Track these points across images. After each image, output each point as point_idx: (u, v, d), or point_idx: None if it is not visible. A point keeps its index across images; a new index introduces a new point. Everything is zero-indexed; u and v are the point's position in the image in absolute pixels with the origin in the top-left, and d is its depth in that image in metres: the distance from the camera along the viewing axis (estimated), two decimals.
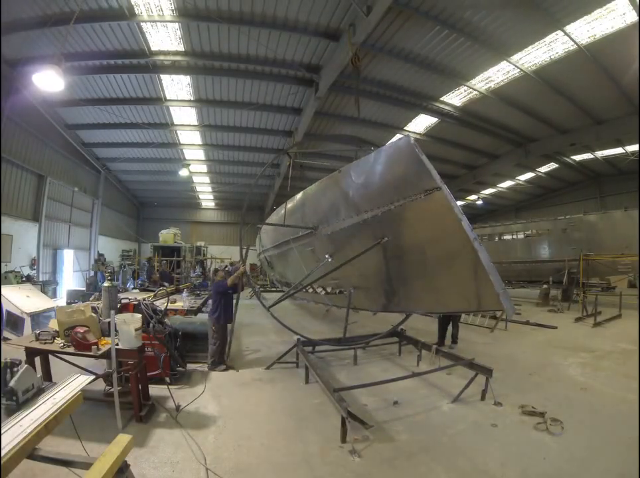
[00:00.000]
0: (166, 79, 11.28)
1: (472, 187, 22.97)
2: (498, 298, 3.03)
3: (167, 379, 4.87)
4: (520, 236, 16.60)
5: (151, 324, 4.86)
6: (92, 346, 3.82)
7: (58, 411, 2.35)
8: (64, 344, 3.93)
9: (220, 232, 28.20)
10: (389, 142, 3.78)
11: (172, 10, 8.39)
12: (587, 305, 10.81)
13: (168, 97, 12.37)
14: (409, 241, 4.09)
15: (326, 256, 5.20)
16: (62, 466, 2.29)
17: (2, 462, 1.79)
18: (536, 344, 7.61)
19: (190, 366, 5.76)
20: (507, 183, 23.12)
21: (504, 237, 17.51)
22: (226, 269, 7.57)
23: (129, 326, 3.95)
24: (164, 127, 14.43)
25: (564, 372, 5.81)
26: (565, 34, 8.85)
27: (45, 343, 4.00)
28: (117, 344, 3.86)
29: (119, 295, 5.40)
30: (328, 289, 9.30)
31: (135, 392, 3.94)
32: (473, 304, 3.59)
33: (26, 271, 12.42)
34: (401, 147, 3.56)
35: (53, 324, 4.50)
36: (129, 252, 23.18)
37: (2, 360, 2.47)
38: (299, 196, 6.32)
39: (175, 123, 14.20)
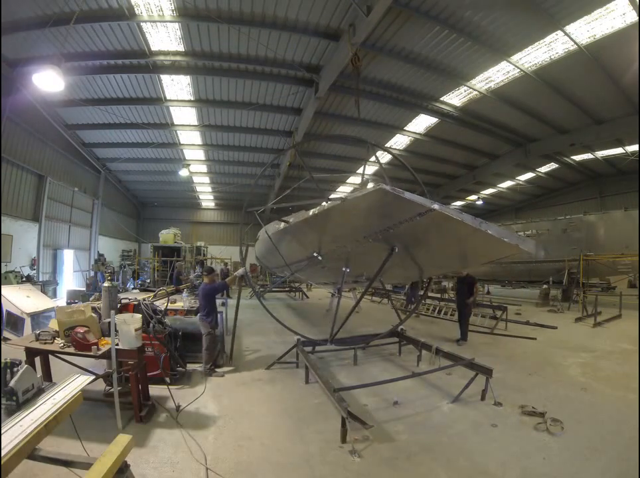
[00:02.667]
0: (166, 79, 11.27)
1: (472, 187, 22.97)
2: (519, 246, 3.51)
3: (167, 379, 4.87)
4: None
5: (151, 325, 4.87)
6: (92, 347, 3.82)
7: (58, 411, 2.35)
8: (64, 345, 3.93)
9: (220, 232, 28.21)
10: (361, 193, 3.62)
11: (172, 10, 8.39)
12: (587, 305, 10.82)
13: (168, 97, 12.37)
14: (423, 242, 4.64)
15: (344, 269, 5.88)
16: (62, 466, 2.29)
17: (2, 462, 1.79)
18: (536, 345, 7.61)
19: (190, 366, 5.75)
20: (507, 183, 23.10)
21: None
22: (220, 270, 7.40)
23: (129, 326, 3.95)
24: (164, 127, 14.42)
25: (564, 372, 5.81)
26: (565, 34, 8.85)
27: (45, 343, 4.01)
28: (117, 344, 3.86)
29: (119, 295, 5.39)
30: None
31: (135, 392, 3.94)
32: (501, 254, 4.37)
33: (26, 271, 12.42)
34: (382, 196, 3.47)
35: (53, 325, 4.51)
36: (129, 252, 23.18)
37: (3, 360, 2.47)
38: (280, 232, 6.34)
39: (175, 123, 14.19)
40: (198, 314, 5.94)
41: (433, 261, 5.44)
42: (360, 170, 18.53)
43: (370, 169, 18.55)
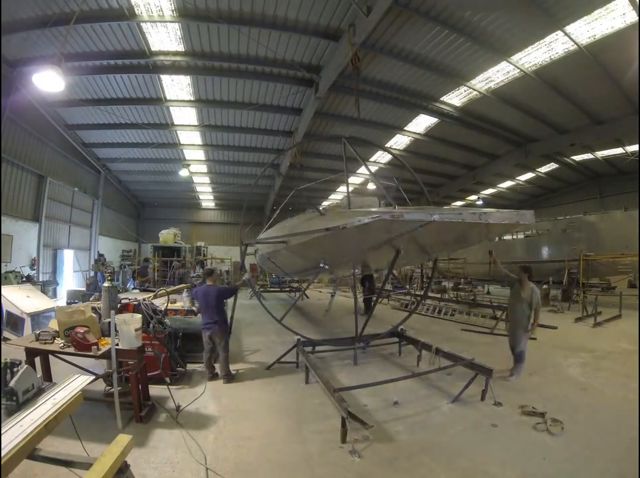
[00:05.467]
0: (166, 79, 11.27)
1: (472, 187, 22.97)
2: (519, 223, 3.81)
3: (167, 379, 4.87)
4: (520, 236, 16.61)
5: (151, 325, 4.86)
6: (92, 347, 3.82)
7: (58, 411, 2.35)
8: (64, 345, 3.93)
9: (220, 232, 28.21)
10: (360, 222, 3.64)
11: (172, 11, 8.39)
12: (587, 305, 10.81)
13: (168, 98, 12.36)
14: (428, 241, 5.02)
15: (353, 269, 6.38)
16: (62, 466, 2.29)
17: (2, 462, 1.79)
18: (536, 344, 7.60)
19: (190, 367, 5.76)
20: (507, 183, 23.11)
21: (504, 237, 17.51)
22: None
23: (129, 326, 3.94)
24: (164, 127, 14.42)
25: (564, 372, 5.81)
26: (565, 34, 8.85)
27: (45, 343, 4.01)
28: (117, 345, 3.86)
29: (119, 295, 5.39)
30: None
31: (135, 392, 3.94)
32: (506, 232, 5.03)
33: (27, 271, 12.41)
34: (382, 223, 3.69)
35: (53, 325, 4.51)
36: (129, 252, 23.16)
37: (2, 360, 2.47)
38: (281, 251, 6.51)
39: (175, 123, 14.19)
40: (207, 321, 5.41)
41: (439, 249, 5.99)
42: (354, 177, 18.62)
43: (372, 168, 18.52)
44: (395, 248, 4.69)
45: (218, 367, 5.55)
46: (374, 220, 3.47)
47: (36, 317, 7.18)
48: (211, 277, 5.84)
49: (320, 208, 6.43)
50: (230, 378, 5.39)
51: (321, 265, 5.34)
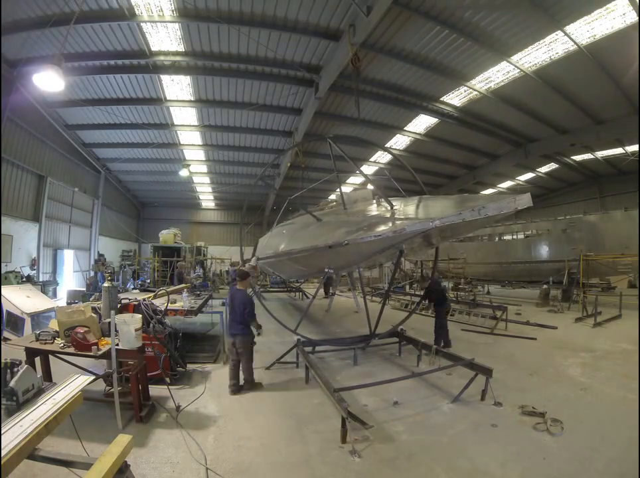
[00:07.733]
0: (166, 79, 11.28)
1: (472, 187, 22.94)
2: (517, 209, 3.75)
3: (167, 379, 4.87)
4: (520, 236, 16.62)
5: (151, 325, 4.86)
6: (92, 347, 3.82)
7: (58, 411, 2.35)
8: (64, 345, 3.93)
9: (220, 232, 28.22)
10: (363, 240, 4.03)
11: (172, 11, 8.39)
12: (587, 305, 10.81)
13: (168, 98, 12.38)
14: (429, 240, 5.18)
15: (358, 269, 6.73)
16: (62, 466, 2.29)
17: (2, 462, 1.79)
18: (536, 345, 7.61)
19: (190, 367, 5.75)
20: (507, 183, 23.11)
21: (504, 237, 17.52)
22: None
23: (129, 326, 3.94)
24: (164, 127, 14.43)
25: (564, 372, 5.81)
26: (565, 34, 8.85)
27: (45, 343, 4.01)
28: (117, 345, 3.86)
29: (119, 295, 5.39)
30: None
31: (135, 393, 3.94)
32: (505, 216, 4.62)
33: (27, 271, 12.41)
34: (385, 238, 3.92)
35: (53, 325, 4.51)
36: (129, 252, 23.18)
37: (3, 361, 2.47)
38: (284, 259, 6.58)
39: (175, 123, 14.20)
40: (239, 327, 5.03)
41: (444, 238, 6.26)
42: (354, 177, 18.61)
43: (371, 169, 18.55)
44: (398, 249, 4.73)
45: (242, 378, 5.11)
46: (377, 239, 3.55)
47: (36, 317, 7.18)
48: (243, 281, 5.30)
49: (317, 207, 6.49)
50: (249, 384, 5.01)
51: (326, 269, 5.38)
